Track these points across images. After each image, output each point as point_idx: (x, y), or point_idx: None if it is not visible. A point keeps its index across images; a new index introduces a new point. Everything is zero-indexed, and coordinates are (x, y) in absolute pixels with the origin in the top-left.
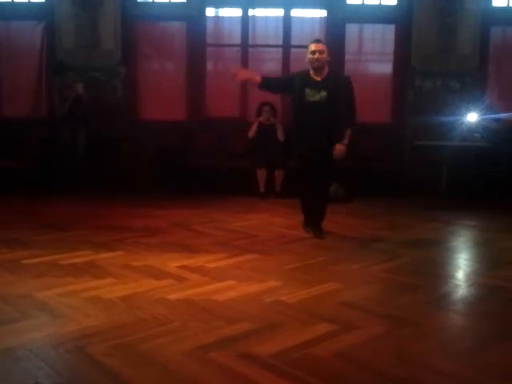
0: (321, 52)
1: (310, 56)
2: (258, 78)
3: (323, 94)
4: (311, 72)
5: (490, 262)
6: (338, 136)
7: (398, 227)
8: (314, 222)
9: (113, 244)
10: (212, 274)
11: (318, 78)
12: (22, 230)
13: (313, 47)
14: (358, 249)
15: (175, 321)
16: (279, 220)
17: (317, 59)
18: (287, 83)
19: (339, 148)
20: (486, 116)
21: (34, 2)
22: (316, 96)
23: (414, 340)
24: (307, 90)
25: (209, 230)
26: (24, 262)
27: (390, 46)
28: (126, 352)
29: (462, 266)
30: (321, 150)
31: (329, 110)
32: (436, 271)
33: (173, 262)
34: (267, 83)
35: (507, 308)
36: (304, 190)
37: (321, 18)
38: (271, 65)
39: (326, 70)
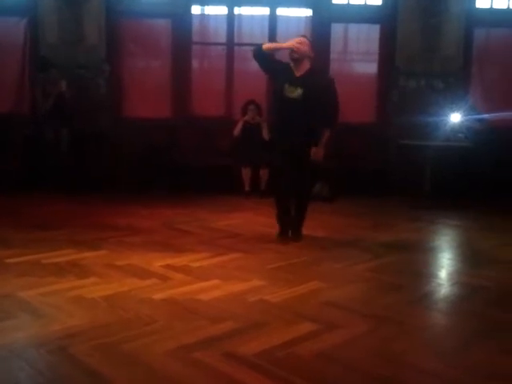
0: (301, 43)
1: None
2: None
3: (299, 91)
4: (291, 65)
5: (473, 262)
6: (314, 137)
7: (381, 226)
8: (292, 225)
9: (96, 243)
10: (196, 274)
11: (298, 74)
12: (5, 229)
13: (298, 38)
14: (342, 248)
15: (159, 320)
16: (263, 219)
17: (295, 50)
18: (273, 64)
19: (314, 151)
20: (470, 116)
21: None
22: (293, 93)
23: (398, 339)
24: (286, 86)
25: (193, 229)
26: (7, 261)
27: (375, 46)
28: (108, 352)
29: (445, 266)
30: (299, 148)
31: (305, 108)
32: (419, 270)
33: (157, 262)
34: (265, 53)
35: (489, 307)
36: (281, 189)
37: (306, 17)
38: (256, 63)
39: (307, 66)
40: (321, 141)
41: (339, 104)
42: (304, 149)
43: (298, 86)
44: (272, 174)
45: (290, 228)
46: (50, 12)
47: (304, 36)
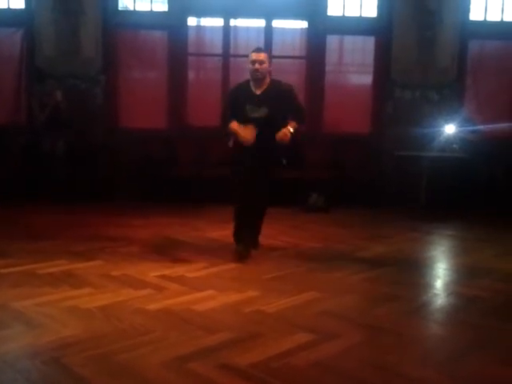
0: (261, 62)
1: (249, 66)
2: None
3: (264, 110)
4: (251, 83)
5: (468, 272)
6: (278, 150)
7: (377, 237)
8: (248, 237)
9: (92, 253)
10: (191, 284)
11: (258, 92)
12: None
13: (253, 57)
14: (338, 258)
15: (154, 331)
16: None
17: (256, 70)
18: (232, 106)
19: (284, 131)
20: (464, 127)
21: (13, 9)
22: (257, 112)
23: (393, 349)
24: (248, 106)
25: (189, 239)
26: (1, 271)
27: (370, 58)
28: (103, 363)
29: (441, 276)
30: (264, 162)
31: (269, 127)
32: (415, 281)
33: (152, 272)
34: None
35: (484, 318)
36: (243, 204)
37: (302, 29)
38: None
39: (267, 82)
40: (288, 125)
41: (304, 107)
42: (269, 161)
43: (262, 104)
44: (233, 188)
45: (249, 241)
46: (46, 23)
47: (261, 49)
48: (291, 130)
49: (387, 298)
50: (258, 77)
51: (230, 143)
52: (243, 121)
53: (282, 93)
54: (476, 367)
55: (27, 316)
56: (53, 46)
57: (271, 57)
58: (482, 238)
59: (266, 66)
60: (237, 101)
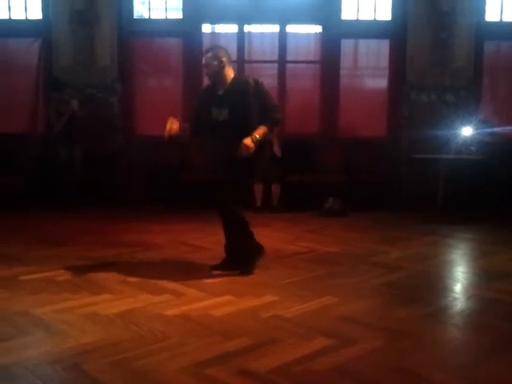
0: (207, 66)
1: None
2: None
3: (225, 111)
4: (214, 84)
5: (488, 275)
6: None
7: (395, 241)
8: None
9: (109, 260)
10: (209, 289)
11: (221, 92)
12: (18, 247)
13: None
14: (356, 262)
15: (172, 337)
16: (276, 234)
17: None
18: (198, 109)
19: (246, 141)
20: (481, 129)
21: (31, 19)
22: (220, 115)
23: (413, 353)
24: (213, 109)
25: (206, 245)
26: (21, 278)
27: (385, 61)
28: (122, 369)
29: (460, 279)
30: (227, 170)
31: (235, 124)
32: (434, 284)
33: (170, 277)
34: (195, 128)
35: (505, 321)
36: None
37: (316, 33)
38: (267, 80)
39: (229, 77)
40: (254, 133)
41: (274, 102)
42: (240, 172)
43: (223, 106)
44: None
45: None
46: (63, 33)
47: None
48: (257, 136)
49: (406, 302)
50: (212, 80)
51: None
52: (210, 123)
53: (244, 88)
54: (495, 371)
55: (47, 322)
56: (70, 55)
57: (286, 61)
58: (499, 241)
59: (212, 66)
60: (204, 104)
